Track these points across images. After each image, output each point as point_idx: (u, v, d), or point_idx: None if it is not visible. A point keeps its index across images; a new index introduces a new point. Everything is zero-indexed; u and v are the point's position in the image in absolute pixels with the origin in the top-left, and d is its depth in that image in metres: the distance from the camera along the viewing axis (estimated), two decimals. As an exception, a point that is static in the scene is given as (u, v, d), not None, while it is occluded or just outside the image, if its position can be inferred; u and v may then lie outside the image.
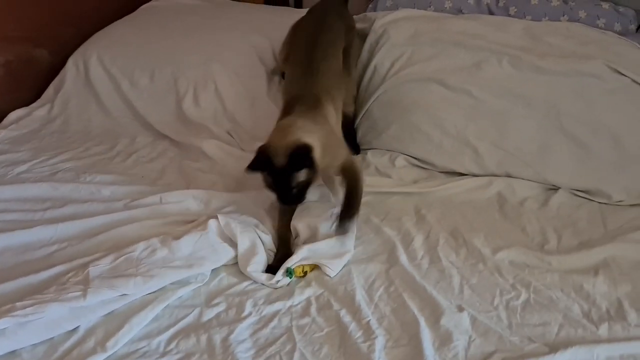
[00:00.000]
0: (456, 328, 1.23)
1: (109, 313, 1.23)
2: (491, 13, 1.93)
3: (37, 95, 2.02)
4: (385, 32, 1.87)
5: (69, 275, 1.29)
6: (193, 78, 1.88)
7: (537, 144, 1.66)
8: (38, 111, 1.92)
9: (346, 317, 1.26)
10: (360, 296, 1.31)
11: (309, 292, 1.33)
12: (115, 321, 1.21)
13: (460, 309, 1.27)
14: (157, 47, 1.97)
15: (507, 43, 1.74)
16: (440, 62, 1.76)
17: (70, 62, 1.99)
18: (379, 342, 1.20)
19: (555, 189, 1.66)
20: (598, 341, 1.20)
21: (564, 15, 1.87)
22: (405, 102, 1.78)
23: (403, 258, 1.42)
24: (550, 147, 1.65)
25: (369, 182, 1.67)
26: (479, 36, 1.78)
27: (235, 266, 1.40)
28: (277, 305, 1.29)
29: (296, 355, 1.16)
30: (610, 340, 1.20)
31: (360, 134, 1.87)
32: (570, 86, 1.64)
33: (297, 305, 1.29)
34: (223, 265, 1.40)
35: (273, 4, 2.46)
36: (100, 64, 1.96)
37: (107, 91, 1.94)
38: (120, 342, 1.17)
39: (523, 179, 1.67)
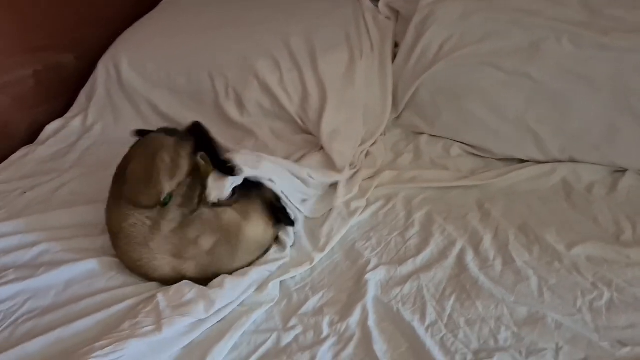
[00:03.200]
0: (541, 336, 1.20)
1: (188, 345, 1.20)
2: (542, -15, 1.80)
3: (68, 103, 1.96)
4: (432, 12, 1.76)
5: (140, 307, 1.26)
6: (232, 77, 1.79)
7: (603, 125, 1.57)
8: (73, 122, 1.85)
9: (421, 330, 1.22)
10: (432, 308, 1.27)
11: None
12: (196, 354, 1.18)
13: (543, 314, 1.24)
14: (188, 46, 1.87)
15: (566, 19, 1.63)
16: (493, 43, 1.66)
17: (100, 67, 1.91)
18: (459, 358, 1.16)
19: (622, 171, 1.59)
20: (693, 342, 1.17)
21: (624, -19, 1.74)
22: (457, 88, 1.69)
23: (474, 261, 1.38)
24: (617, 128, 1.56)
25: (427, 177, 1.63)
26: (534, 13, 1.66)
27: (303, 281, 1.37)
28: (352, 323, 1.25)
29: (382, 375, 1.13)
30: None
31: (407, 120, 1.80)
32: (637, 63, 1.54)
33: (371, 320, 1.25)
34: (292, 279, 1.37)
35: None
36: (133, 68, 1.87)
37: (143, 96, 1.86)
38: (204, 375, 1.14)
39: (588, 163, 1.60)
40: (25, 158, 1.76)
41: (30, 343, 1.19)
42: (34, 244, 1.43)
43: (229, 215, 1.38)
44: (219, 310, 1.27)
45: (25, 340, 1.20)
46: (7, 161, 1.76)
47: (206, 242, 1.34)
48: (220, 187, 1.38)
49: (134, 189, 1.37)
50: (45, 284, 1.34)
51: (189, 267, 1.33)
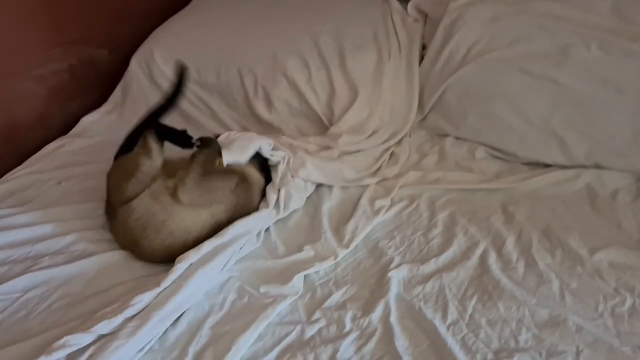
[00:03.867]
0: (562, 339, 1.21)
1: (215, 335, 1.24)
2: (571, -9, 1.81)
3: (101, 96, 2.01)
4: (461, 15, 1.77)
5: None
6: (261, 74, 1.82)
7: (629, 132, 1.57)
8: (107, 115, 1.91)
9: (442, 328, 1.24)
10: (453, 307, 1.29)
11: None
12: (223, 343, 1.21)
13: (564, 317, 1.25)
14: (219, 42, 1.90)
15: (594, 25, 1.64)
16: (522, 47, 1.67)
17: (133, 63, 1.95)
18: (479, 357, 1.18)
19: (647, 178, 1.59)
20: None
21: (653, -10, 1.74)
22: (484, 91, 1.70)
23: (496, 263, 1.39)
24: (644, 135, 1.57)
25: (451, 179, 1.65)
26: (563, 18, 1.67)
27: (327, 276, 1.39)
28: (374, 318, 1.28)
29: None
30: None
31: (432, 122, 1.82)
32: (665, 70, 1.55)
33: (393, 317, 1.28)
34: (315, 274, 1.40)
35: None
36: (165, 64, 1.90)
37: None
38: (230, 364, 1.17)
39: (614, 169, 1.60)
40: (61, 149, 1.81)
41: (63, 328, 1.23)
42: (67, 233, 1.48)
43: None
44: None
45: (58, 325, 1.25)
46: (42, 151, 1.82)
47: (229, 182, 1.46)
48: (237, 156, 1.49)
49: (120, 187, 1.42)
50: (78, 271, 1.39)
51: (220, 211, 1.43)
